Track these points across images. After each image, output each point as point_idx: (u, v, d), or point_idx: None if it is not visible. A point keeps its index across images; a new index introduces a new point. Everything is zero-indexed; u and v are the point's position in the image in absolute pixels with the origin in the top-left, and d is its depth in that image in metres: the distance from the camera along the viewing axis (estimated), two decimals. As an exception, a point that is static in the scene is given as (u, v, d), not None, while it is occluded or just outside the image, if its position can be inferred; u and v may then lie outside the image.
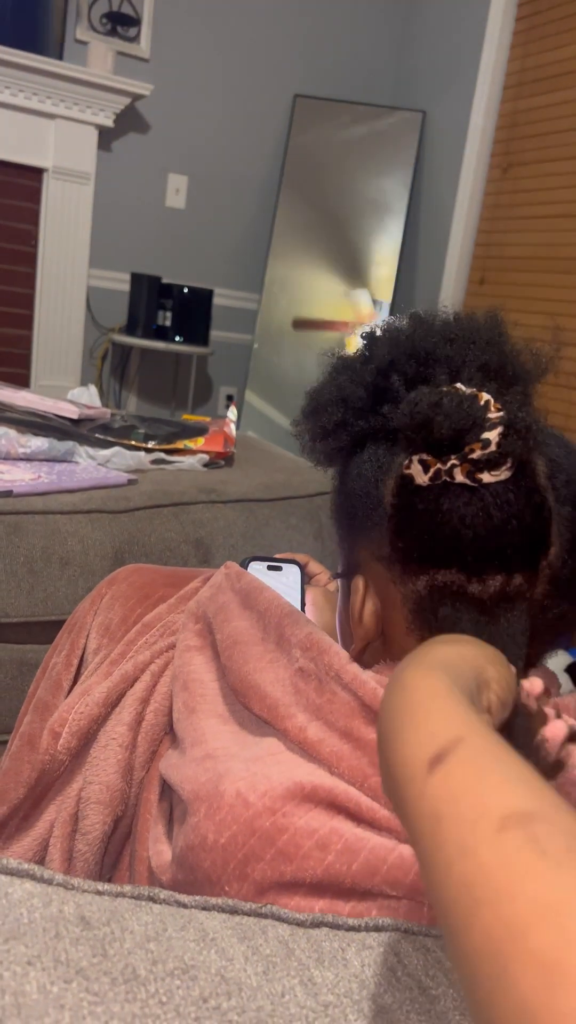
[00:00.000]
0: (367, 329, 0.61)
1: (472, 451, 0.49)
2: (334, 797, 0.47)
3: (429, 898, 0.29)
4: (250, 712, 0.56)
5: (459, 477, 0.49)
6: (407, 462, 0.51)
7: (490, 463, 0.49)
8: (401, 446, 0.52)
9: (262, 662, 0.56)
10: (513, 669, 0.45)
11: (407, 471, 0.51)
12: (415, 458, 0.50)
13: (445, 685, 0.37)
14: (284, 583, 0.73)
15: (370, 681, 0.50)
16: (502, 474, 0.49)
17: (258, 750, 0.52)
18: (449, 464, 0.49)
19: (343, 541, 0.60)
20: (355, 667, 0.52)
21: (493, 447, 0.49)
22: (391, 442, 0.54)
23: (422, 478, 0.50)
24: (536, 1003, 0.23)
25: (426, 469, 0.50)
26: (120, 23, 3.12)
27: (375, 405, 0.56)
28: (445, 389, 0.51)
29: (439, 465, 0.50)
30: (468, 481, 0.49)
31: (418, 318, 0.59)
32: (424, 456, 0.50)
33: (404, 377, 0.55)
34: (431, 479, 0.50)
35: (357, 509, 0.56)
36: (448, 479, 0.50)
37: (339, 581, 0.62)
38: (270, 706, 0.53)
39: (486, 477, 0.49)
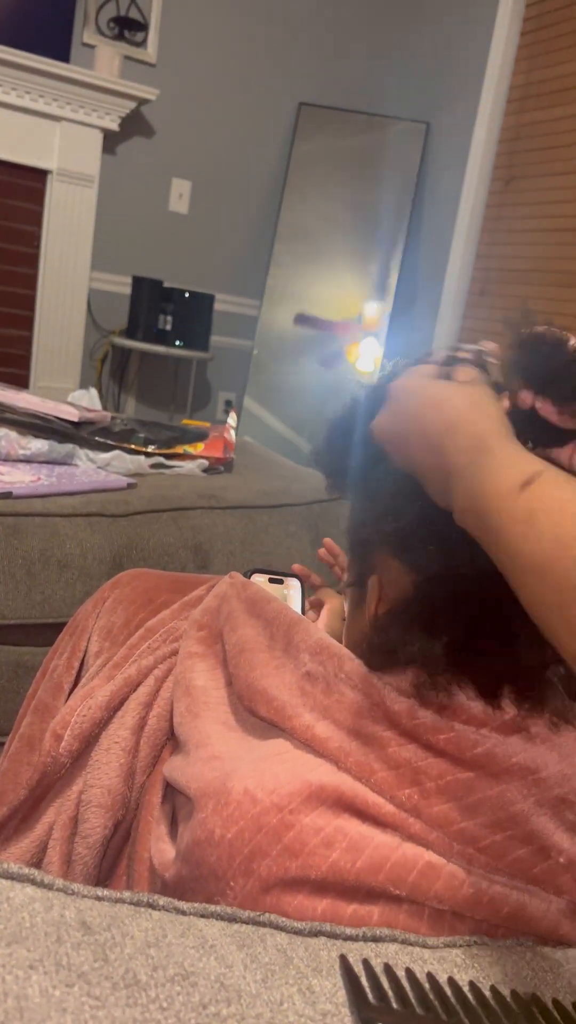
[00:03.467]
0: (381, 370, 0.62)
1: None
2: (340, 795, 0.48)
3: (512, 573, 0.42)
4: (256, 718, 0.56)
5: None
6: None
7: None
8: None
9: (268, 668, 0.57)
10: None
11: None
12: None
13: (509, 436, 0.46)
14: (286, 595, 0.74)
15: (379, 683, 0.52)
16: None
17: (264, 751, 0.52)
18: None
19: (357, 547, 0.60)
20: (365, 670, 0.53)
21: None
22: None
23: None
24: None
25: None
26: (127, 27, 3.14)
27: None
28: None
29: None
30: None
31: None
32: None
33: None
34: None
35: (382, 509, 0.56)
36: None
37: (348, 591, 0.62)
38: (277, 708, 0.54)
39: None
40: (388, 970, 0.41)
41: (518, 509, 0.41)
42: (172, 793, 0.60)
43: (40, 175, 3.07)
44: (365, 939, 0.45)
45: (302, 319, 3.49)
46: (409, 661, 0.52)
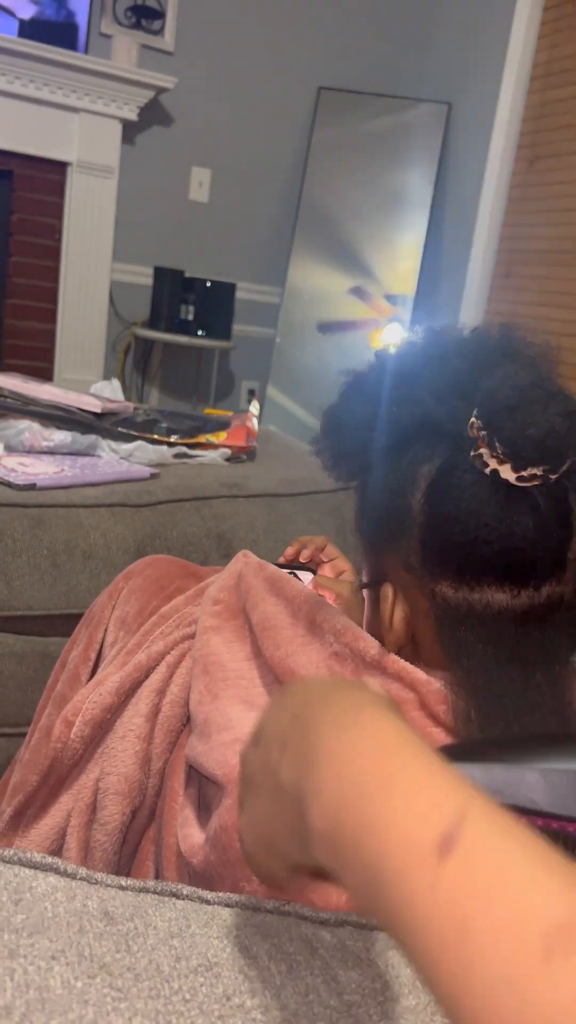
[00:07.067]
0: (382, 347, 0.60)
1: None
2: None
3: (441, 1004, 0.25)
4: None
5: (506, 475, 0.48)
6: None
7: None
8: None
9: (293, 646, 0.57)
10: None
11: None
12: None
13: (407, 731, 0.31)
14: None
15: (406, 667, 0.52)
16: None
17: None
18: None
19: (368, 550, 0.60)
20: (392, 656, 0.53)
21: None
22: (419, 450, 0.53)
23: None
24: None
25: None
26: (144, 16, 3.12)
27: (397, 419, 0.55)
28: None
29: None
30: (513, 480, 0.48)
31: (433, 333, 0.58)
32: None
33: (428, 391, 0.54)
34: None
35: (383, 519, 0.56)
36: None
37: (365, 592, 0.61)
38: None
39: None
40: None
41: (442, 905, 0.25)
42: (197, 777, 0.60)
43: (60, 167, 3.08)
44: (392, 929, 0.44)
45: (325, 327, 3.47)
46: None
